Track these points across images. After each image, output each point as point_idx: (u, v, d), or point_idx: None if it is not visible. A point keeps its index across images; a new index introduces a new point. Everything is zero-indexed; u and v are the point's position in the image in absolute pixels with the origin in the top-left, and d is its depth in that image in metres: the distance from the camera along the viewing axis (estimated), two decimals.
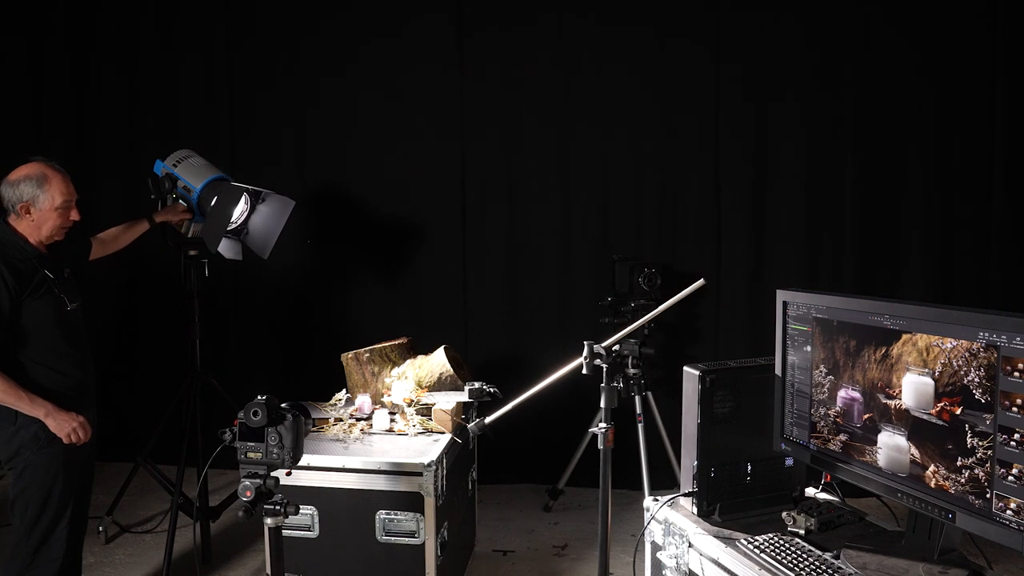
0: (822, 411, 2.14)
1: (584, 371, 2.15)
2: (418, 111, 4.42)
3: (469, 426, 2.57)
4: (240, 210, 3.43)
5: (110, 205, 4.63)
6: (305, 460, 2.62)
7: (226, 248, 3.46)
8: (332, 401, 3.34)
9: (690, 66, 4.20)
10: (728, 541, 2.07)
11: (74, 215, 2.73)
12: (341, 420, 3.15)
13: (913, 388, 1.86)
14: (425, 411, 3.12)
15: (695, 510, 2.23)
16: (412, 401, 3.14)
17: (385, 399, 3.19)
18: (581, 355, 2.15)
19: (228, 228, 3.36)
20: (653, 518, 2.32)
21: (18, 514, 2.64)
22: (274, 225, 3.46)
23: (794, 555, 1.93)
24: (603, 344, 2.13)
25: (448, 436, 2.99)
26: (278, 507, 2.22)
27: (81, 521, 2.78)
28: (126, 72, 4.66)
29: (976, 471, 1.72)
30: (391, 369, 3.32)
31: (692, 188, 4.25)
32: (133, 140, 4.65)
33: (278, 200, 3.46)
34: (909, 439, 1.88)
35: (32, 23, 4.68)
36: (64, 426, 2.59)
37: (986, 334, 1.69)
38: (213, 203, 3.27)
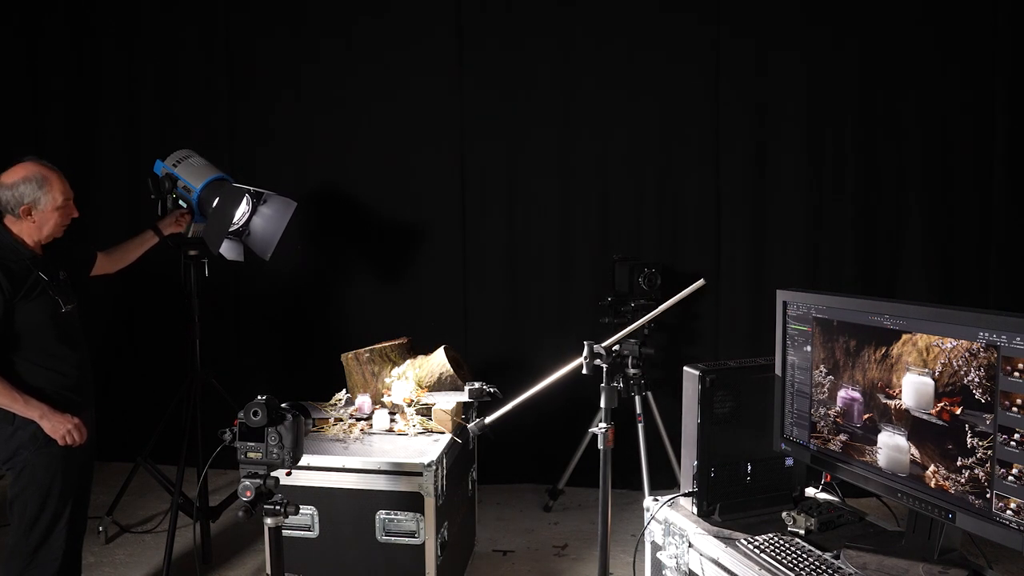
0: (822, 411, 2.14)
1: (584, 371, 2.15)
2: (418, 111, 4.41)
3: (469, 426, 2.57)
4: (242, 211, 3.42)
5: (111, 205, 4.64)
6: (305, 460, 2.62)
7: (228, 249, 3.46)
8: (332, 401, 3.34)
9: (690, 66, 4.20)
10: (728, 541, 2.07)
11: (73, 212, 2.73)
12: (341, 420, 3.16)
13: (913, 388, 1.86)
14: (425, 411, 3.12)
15: (695, 510, 2.23)
16: (412, 401, 3.14)
17: (385, 399, 3.19)
18: (581, 355, 2.15)
19: (230, 229, 3.36)
20: (653, 518, 2.32)
21: (17, 514, 2.64)
22: (276, 226, 3.46)
23: (794, 555, 1.93)
24: (603, 344, 2.13)
25: (448, 436, 2.99)
26: (278, 507, 2.22)
27: (80, 521, 2.78)
28: (126, 73, 4.66)
29: (976, 471, 1.72)
30: (391, 369, 3.32)
31: (692, 188, 4.25)
32: (133, 139, 4.65)
33: (280, 201, 3.46)
34: (909, 439, 1.88)
35: (32, 21, 4.69)
36: (59, 428, 2.58)
37: (986, 334, 1.69)
38: (215, 204, 3.27)
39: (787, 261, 4.20)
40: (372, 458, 2.76)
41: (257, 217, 3.47)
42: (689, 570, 2.17)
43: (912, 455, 1.88)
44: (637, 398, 3.82)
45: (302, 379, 4.44)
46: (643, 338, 3.84)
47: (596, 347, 2.13)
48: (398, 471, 2.72)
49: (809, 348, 2.16)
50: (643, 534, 2.37)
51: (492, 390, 3.10)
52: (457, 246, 4.44)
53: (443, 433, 3.03)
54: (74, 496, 2.71)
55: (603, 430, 2.13)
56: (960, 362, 1.74)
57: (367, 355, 3.40)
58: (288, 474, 2.38)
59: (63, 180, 2.69)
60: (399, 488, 2.71)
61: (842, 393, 2.07)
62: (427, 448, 2.86)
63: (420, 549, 2.72)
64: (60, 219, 2.68)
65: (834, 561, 1.90)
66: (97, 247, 3.12)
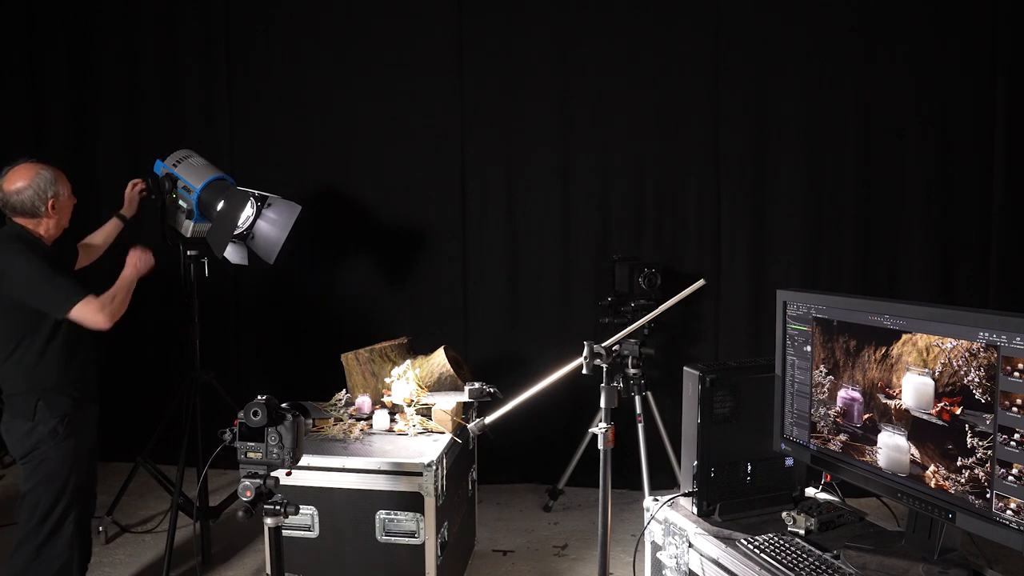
0: (822, 411, 2.14)
1: (584, 371, 2.15)
2: (418, 111, 4.41)
3: (469, 426, 2.57)
4: (246, 215, 3.41)
5: (111, 205, 4.63)
6: (305, 460, 2.62)
7: (232, 253, 3.45)
8: (332, 401, 3.34)
9: (690, 66, 4.20)
10: (728, 541, 2.07)
11: (74, 199, 2.86)
12: (341, 420, 3.16)
13: (913, 388, 1.86)
14: (425, 411, 3.12)
15: (695, 510, 2.23)
16: (412, 401, 3.15)
17: (385, 399, 3.19)
18: (581, 355, 2.15)
19: (235, 233, 3.36)
20: (653, 518, 2.32)
21: (27, 508, 2.69)
22: (280, 230, 3.44)
23: (794, 555, 1.93)
24: (603, 344, 2.13)
25: (448, 436, 2.99)
26: (278, 507, 2.22)
27: (88, 516, 2.86)
28: (126, 73, 4.66)
29: (976, 471, 1.72)
30: (391, 369, 3.32)
31: (692, 188, 4.25)
32: (133, 139, 4.65)
33: (284, 205, 3.45)
34: (909, 439, 1.88)
35: (31, 23, 4.69)
36: (142, 262, 2.90)
37: (986, 334, 1.69)
38: (219, 208, 3.26)
39: (787, 261, 4.20)
40: (372, 458, 2.76)
41: (262, 221, 3.46)
42: (689, 570, 2.17)
43: (912, 455, 1.88)
44: (637, 398, 3.82)
45: (302, 379, 4.44)
46: (643, 338, 3.84)
47: (596, 347, 2.13)
48: (398, 471, 2.72)
49: (809, 348, 2.16)
50: (643, 534, 2.37)
51: (492, 390, 3.10)
52: (457, 246, 4.44)
53: (443, 433, 3.03)
54: (85, 491, 2.78)
55: (603, 430, 2.13)
56: (960, 362, 1.74)
57: (367, 355, 3.40)
58: (288, 474, 2.38)
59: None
60: (399, 488, 2.71)
61: (842, 393, 2.07)
62: (427, 448, 2.86)
63: (420, 549, 2.72)
64: (70, 207, 2.83)
65: (834, 561, 1.90)
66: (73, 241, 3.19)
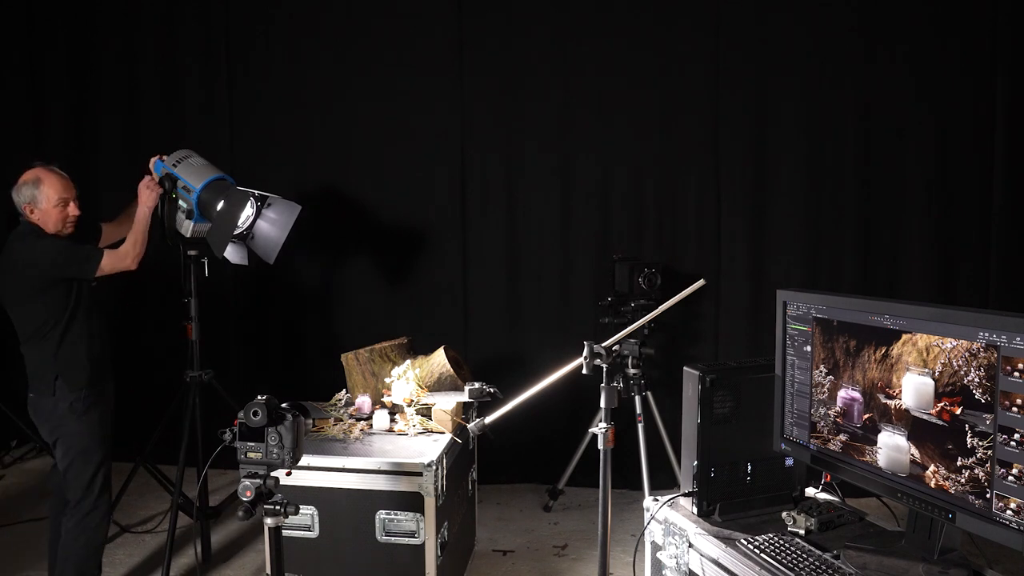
0: (822, 411, 2.14)
1: (584, 371, 2.15)
2: (418, 111, 4.41)
3: (469, 426, 2.57)
4: (246, 215, 3.41)
5: (111, 204, 4.63)
6: (305, 460, 2.62)
7: (232, 253, 3.45)
8: (332, 401, 3.34)
9: (690, 66, 4.20)
10: (728, 541, 2.07)
11: (72, 210, 2.98)
12: (341, 420, 3.16)
13: (913, 388, 1.86)
14: (425, 411, 3.12)
15: (695, 510, 2.23)
16: (412, 401, 3.14)
17: (385, 399, 3.19)
18: (581, 355, 2.15)
19: (234, 233, 3.35)
20: (653, 518, 2.32)
21: (69, 484, 2.90)
22: (280, 230, 3.44)
23: (794, 555, 1.93)
24: (603, 344, 2.13)
25: (448, 436, 2.99)
26: (278, 507, 2.22)
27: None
28: (126, 73, 4.66)
29: (976, 471, 1.72)
30: (391, 369, 3.32)
31: (692, 188, 4.25)
32: (133, 139, 4.65)
33: (284, 205, 3.44)
34: (909, 439, 1.88)
35: (31, 23, 4.69)
36: (149, 199, 3.14)
37: (986, 334, 1.69)
38: (219, 208, 3.26)
39: (787, 261, 4.20)
40: (372, 458, 2.76)
41: (262, 221, 3.45)
42: (689, 570, 2.17)
43: (912, 455, 1.88)
44: (637, 398, 3.82)
45: (302, 379, 4.44)
46: (643, 338, 3.83)
47: (596, 347, 2.13)
48: (398, 471, 2.72)
49: (809, 348, 2.16)
50: (643, 534, 2.37)
51: (492, 390, 3.10)
52: (457, 245, 4.44)
53: (443, 433, 3.03)
54: (110, 461, 3.01)
55: (603, 430, 2.13)
56: (960, 362, 1.74)
57: (367, 355, 3.40)
58: (288, 474, 2.38)
59: (62, 181, 2.96)
60: (399, 488, 2.71)
61: (842, 393, 2.07)
62: (427, 448, 2.86)
63: (420, 549, 2.72)
64: (59, 215, 2.94)
65: (834, 561, 1.90)
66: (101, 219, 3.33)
